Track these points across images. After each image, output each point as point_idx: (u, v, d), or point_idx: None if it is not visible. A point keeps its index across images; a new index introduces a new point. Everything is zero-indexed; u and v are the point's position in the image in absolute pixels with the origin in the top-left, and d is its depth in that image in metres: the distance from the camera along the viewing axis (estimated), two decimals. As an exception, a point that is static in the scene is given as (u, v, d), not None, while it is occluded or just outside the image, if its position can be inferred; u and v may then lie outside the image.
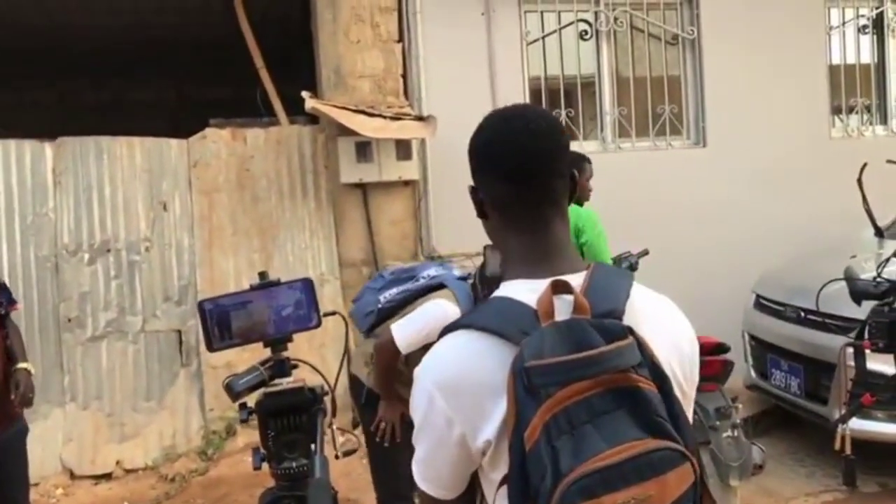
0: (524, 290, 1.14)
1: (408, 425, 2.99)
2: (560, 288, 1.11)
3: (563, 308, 1.10)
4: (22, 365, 3.09)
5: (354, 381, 3.14)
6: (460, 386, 1.10)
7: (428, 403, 1.12)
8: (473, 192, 1.24)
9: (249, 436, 5.01)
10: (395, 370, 2.90)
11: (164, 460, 5.01)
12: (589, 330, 1.06)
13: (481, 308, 1.19)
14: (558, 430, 1.01)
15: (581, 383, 1.02)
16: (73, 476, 4.90)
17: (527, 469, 1.01)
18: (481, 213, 1.25)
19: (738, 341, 4.87)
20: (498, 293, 1.17)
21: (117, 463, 4.98)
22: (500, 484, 1.08)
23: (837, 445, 2.65)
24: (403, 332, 2.78)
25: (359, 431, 2.95)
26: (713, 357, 3.33)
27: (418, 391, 1.15)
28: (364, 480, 4.38)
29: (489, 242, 1.29)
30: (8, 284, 3.35)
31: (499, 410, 1.07)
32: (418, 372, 1.17)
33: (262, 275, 1.78)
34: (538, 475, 1.00)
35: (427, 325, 2.77)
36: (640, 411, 1.04)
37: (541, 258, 1.18)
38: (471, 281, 2.89)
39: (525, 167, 1.17)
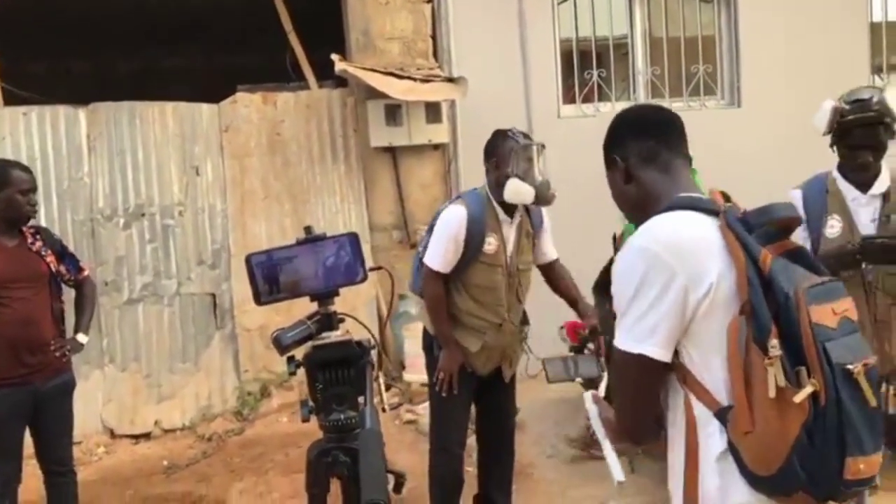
0: (692, 195, 1.49)
1: (466, 376, 3.03)
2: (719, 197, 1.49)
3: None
4: (78, 336, 3.26)
5: (425, 333, 3.20)
6: (683, 244, 1.39)
7: (651, 260, 1.37)
8: (615, 162, 1.57)
9: (284, 397, 5.09)
10: (445, 307, 2.96)
11: (201, 420, 5.11)
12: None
13: (676, 200, 1.48)
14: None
15: (766, 248, 1.35)
16: (113, 435, 5.02)
17: (772, 282, 1.32)
18: (627, 180, 1.56)
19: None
20: (681, 195, 1.49)
21: (156, 423, 5.10)
22: (740, 312, 1.34)
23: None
24: (432, 256, 2.91)
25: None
26: None
27: (636, 254, 1.40)
28: (395, 440, 4.42)
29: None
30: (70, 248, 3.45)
31: (719, 259, 1.37)
32: (634, 241, 1.42)
33: (308, 229, 1.78)
34: (782, 289, 1.31)
35: (447, 237, 2.88)
36: (807, 263, 1.40)
37: (688, 186, 1.53)
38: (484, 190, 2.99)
39: (666, 124, 1.61)
